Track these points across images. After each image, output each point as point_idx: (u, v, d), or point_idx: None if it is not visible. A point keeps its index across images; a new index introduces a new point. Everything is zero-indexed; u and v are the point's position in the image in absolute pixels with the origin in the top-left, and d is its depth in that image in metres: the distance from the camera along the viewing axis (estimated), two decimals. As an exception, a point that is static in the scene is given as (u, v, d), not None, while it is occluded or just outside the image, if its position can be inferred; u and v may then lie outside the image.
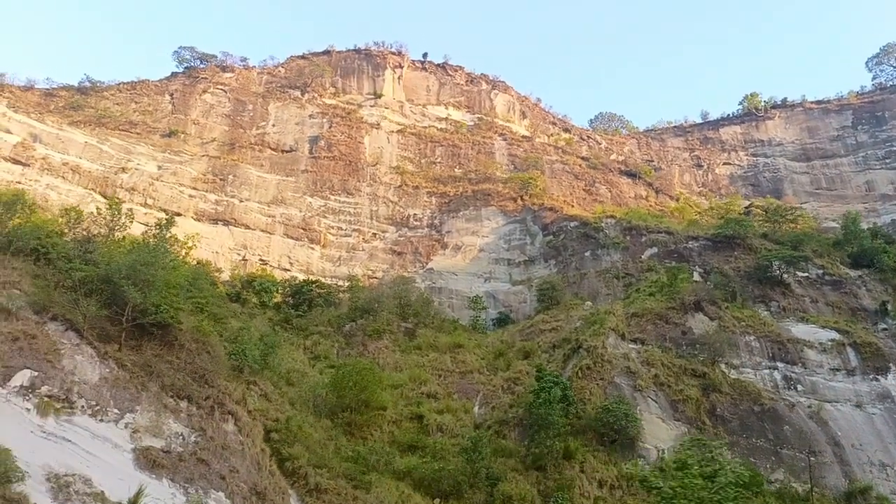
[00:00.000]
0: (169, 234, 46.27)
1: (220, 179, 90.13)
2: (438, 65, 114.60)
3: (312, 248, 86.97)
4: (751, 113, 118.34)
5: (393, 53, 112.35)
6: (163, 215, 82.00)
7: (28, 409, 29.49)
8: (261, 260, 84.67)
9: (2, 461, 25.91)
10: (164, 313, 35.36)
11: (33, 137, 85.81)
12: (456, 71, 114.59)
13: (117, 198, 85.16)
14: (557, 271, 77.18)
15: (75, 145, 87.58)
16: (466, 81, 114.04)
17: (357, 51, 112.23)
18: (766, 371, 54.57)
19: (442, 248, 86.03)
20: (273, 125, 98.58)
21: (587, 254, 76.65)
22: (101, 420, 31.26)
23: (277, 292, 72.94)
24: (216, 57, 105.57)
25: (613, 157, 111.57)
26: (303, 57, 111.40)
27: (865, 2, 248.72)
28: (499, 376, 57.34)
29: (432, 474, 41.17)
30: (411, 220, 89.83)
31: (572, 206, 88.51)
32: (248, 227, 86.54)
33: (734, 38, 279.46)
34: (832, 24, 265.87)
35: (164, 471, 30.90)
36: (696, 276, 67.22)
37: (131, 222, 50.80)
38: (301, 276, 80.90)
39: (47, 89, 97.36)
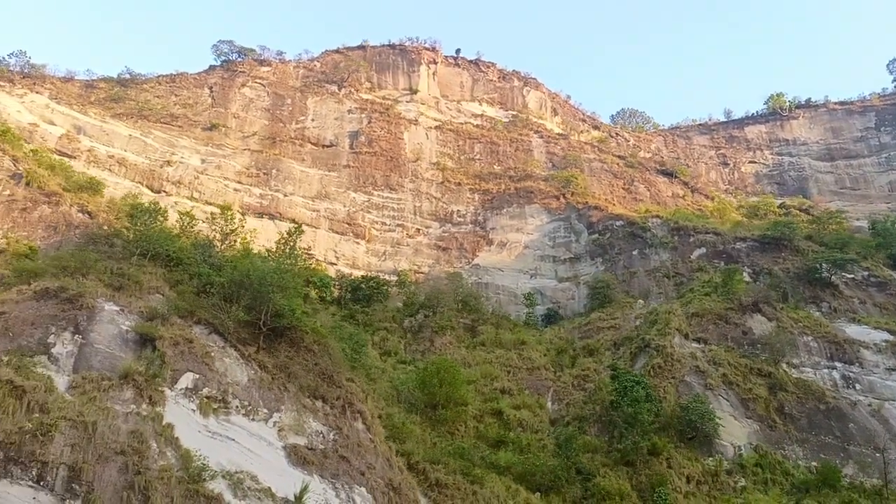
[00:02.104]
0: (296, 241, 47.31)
1: (264, 174, 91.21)
2: (471, 61, 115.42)
3: (357, 243, 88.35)
4: (775, 112, 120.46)
5: (427, 49, 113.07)
6: (210, 209, 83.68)
7: (193, 410, 31.04)
8: (307, 254, 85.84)
9: (193, 459, 27.58)
10: (297, 317, 36.84)
11: (77, 129, 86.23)
12: (488, 67, 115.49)
13: (164, 191, 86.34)
14: (605, 269, 79.00)
15: (120, 138, 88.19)
16: (499, 78, 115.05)
17: (391, 46, 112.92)
18: (826, 371, 56.91)
19: (487, 245, 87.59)
20: (312, 119, 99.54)
21: (635, 252, 78.57)
22: (253, 419, 32.85)
23: (335, 287, 74.29)
24: (254, 51, 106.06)
25: (642, 154, 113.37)
26: (337, 51, 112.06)
27: (882, 5, 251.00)
28: (566, 373, 59.29)
29: (531, 469, 43.14)
30: (455, 216, 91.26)
31: (614, 204, 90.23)
32: (293, 221, 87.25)
33: (751, 37, 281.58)
34: (844, 26, 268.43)
35: (313, 467, 32.58)
36: (746, 277, 69.27)
37: (243, 227, 51.75)
38: (347, 270, 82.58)
39: (87, 81, 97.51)
